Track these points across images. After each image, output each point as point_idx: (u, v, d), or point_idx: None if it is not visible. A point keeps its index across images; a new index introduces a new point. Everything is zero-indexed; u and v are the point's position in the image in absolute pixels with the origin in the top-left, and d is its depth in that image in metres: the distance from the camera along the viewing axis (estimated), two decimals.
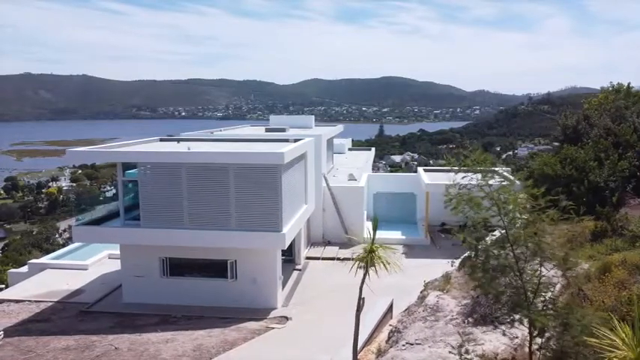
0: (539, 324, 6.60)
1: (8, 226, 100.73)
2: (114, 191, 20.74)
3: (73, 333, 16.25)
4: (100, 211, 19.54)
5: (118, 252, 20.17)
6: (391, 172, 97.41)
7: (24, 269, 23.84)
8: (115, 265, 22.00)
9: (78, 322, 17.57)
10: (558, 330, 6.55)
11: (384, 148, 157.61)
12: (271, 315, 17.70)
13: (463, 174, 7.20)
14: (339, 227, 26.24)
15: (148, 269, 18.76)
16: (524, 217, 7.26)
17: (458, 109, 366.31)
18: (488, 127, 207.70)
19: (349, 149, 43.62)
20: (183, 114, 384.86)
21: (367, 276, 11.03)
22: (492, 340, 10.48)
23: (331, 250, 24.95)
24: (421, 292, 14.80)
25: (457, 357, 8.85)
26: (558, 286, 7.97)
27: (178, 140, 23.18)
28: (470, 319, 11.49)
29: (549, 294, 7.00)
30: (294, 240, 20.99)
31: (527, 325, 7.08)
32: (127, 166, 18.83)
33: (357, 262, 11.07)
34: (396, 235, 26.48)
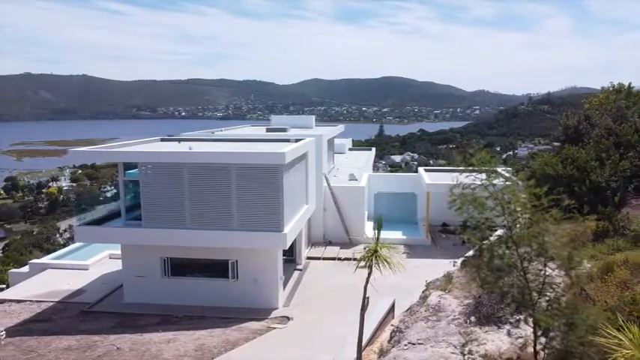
0: (543, 324, 6.59)
1: (8, 226, 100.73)
2: (114, 191, 20.74)
3: (75, 333, 16.25)
4: (101, 211, 19.55)
5: (119, 252, 20.16)
6: (391, 172, 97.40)
7: (25, 269, 23.83)
8: (116, 265, 22.00)
9: (79, 322, 17.57)
10: (563, 330, 6.55)
11: (384, 148, 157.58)
12: (272, 315, 17.69)
13: (467, 174, 7.18)
14: (340, 227, 26.25)
15: (149, 269, 18.76)
16: (525, 216, 7.25)
17: (458, 109, 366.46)
18: (489, 127, 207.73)
19: (350, 149, 43.66)
20: (183, 114, 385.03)
21: (370, 275, 11.03)
22: (495, 339, 10.48)
23: (332, 250, 24.95)
24: (423, 292, 14.80)
25: (460, 357, 8.85)
26: (561, 286, 7.95)
27: (179, 140, 23.16)
28: (472, 319, 11.49)
29: (554, 294, 6.99)
30: (295, 240, 20.98)
31: (532, 325, 7.08)
32: (127, 166, 18.84)
33: (362, 261, 11.07)
34: (396, 235, 26.47)
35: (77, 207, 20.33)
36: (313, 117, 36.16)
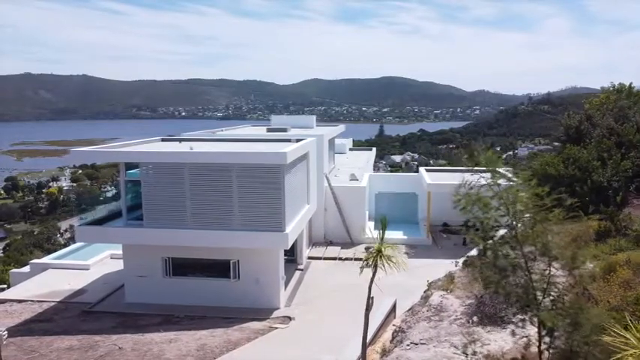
0: (549, 323, 6.58)
1: (9, 226, 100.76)
2: (114, 191, 20.74)
3: (76, 333, 16.24)
4: (102, 211, 19.55)
5: (120, 252, 20.16)
6: (391, 172, 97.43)
7: (26, 269, 23.83)
8: (117, 265, 22.00)
9: (80, 322, 17.56)
10: (568, 329, 6.54)
11: (384, 148, 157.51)
12: (274, 315, 17.69)
13: (473, 174, 7.17)
14: (341, 227, 26.25)
15: (150, 269, 18.75)
16: (526, 216, 7.25)
17: (458, 109, 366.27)
18: (489, 127, 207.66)
19: (350, 149, 43.65)
20: (184, 114, 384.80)
21: (375, 275, 11.03)
22: (497, 339, 10.48)
23: (333, 250, 24.95)
24: (425, 291, 14.80)
25: (462, 357, 8.84)
26: (564, 286, 7.95)
27: (180, 140, 23.16)
28: (474, 319, 11.49)
29: (558, 293, 6.98)
30: (296, 240, 20.97)
31: (537, 325, 7.07)
32: (128, 166, 18.83)
33: (366, 261, 11.07)
34: (397, 235, 26.42)
35: (78, 207, 20.33)
36: (314, 117, 36.16)
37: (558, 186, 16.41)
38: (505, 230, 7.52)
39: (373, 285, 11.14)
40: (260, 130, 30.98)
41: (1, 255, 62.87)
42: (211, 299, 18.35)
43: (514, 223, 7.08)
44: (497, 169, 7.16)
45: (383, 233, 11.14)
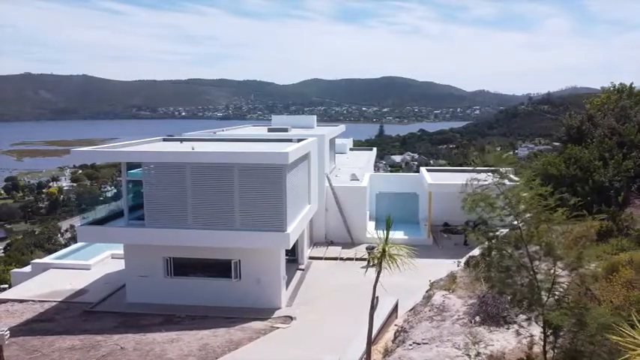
0: (555, 322, 6.59)
1: (9, 226, 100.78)
2: (114, 191, 20.74)
3: (78, 333, 16.24)
4: (103, 211, 19.54)
5: (121, 252, 20.15)
6: (391, 172, 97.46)
7: (27, 269, 23.81)
8: (118, 265, 21.99)
9: (82, 321, 17.56)
10: (574, 329, 6.54)
11: (384, 148, 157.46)
12: (275, 315, 17.69)
13: (479, 174, 7.17)
14: (342, 227, 26.25)
15: (152, 269, 18.75)
16: (529, 215, 7.25)
17: (458, 109, 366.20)
18: (489, 127, 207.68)
19: (350, 149, 43.68)
20: (184, 114, 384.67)
21: (379, 274, 11.02)
22: (500, 339, 10.47)
23: (334, 250, 24.95)
24: (427, 291, 14.79)
25: (465, 356, 8.85)
26: (567, 285, 7.95)
27: (182, 140, 23.15)
28: (477, 319, 11.48)
29: (563, 293, 6.98)
30: (297, 240, 20.97)
31: (542, 324, 7.07)
32: (129, 166, 18.82)
33: (371, 260, 11.06)
34: (398, 235, 26.38)
35: (78, 207, 20.35)
36: (314, 117, 36.14)
37: (560, 186, 16.42)
38: (509, 230, 7.52)
39: (377, 284, 11.12)
40: (261, 130, 30.98)
41: (2, 255, 62.90)
42: (212, 299, 18.35)
43: (519, 222, 7.08)
44: (505, 167, 7.16)
45: (387, 233, 11.12)
